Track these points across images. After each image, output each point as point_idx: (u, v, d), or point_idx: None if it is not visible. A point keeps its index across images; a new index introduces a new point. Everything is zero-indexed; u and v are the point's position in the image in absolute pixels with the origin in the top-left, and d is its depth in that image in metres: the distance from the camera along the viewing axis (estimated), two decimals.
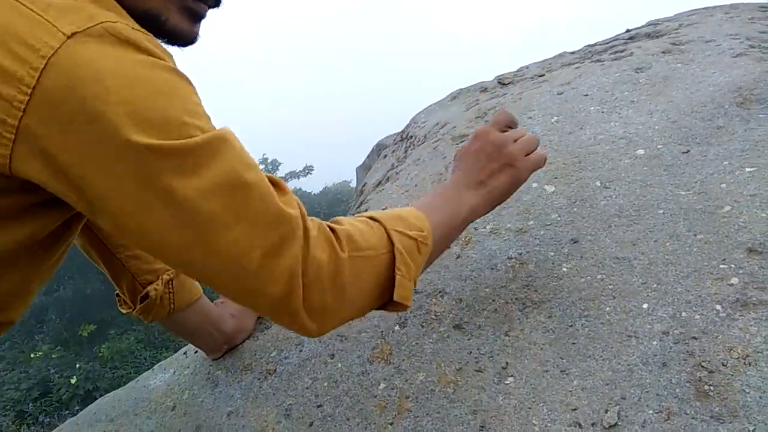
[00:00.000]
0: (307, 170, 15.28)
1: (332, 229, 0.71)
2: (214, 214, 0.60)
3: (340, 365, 1.06)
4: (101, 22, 0.59)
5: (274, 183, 0.68)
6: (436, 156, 1.65)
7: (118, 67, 0.58)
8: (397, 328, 1.08)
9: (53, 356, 8.23)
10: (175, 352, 1.41)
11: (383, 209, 1.48)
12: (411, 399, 0.95)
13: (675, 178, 1.15)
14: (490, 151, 0.92)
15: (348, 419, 0.97)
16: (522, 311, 1.01)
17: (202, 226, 0.60)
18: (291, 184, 14.99)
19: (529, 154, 0.96)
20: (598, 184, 1.21)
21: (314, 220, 0.70)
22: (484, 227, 1.23)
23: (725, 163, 1.13)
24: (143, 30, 0.64)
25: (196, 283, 1.15)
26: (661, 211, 1.08)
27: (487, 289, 1.08)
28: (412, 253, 0.77)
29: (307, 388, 1.05)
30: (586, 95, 1.58)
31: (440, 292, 1.11)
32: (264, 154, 14.95)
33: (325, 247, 0.68)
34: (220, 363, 1.18)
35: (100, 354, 8.27)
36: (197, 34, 0.78)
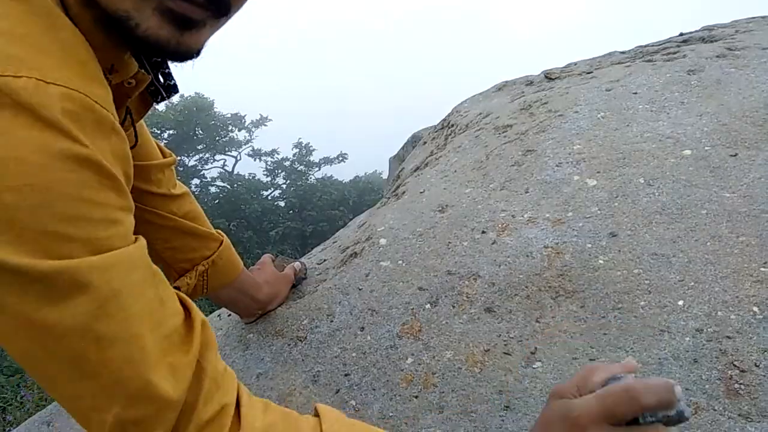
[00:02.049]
0: (342, 157, 15.36)
1: (233, 424, 0.55)
2: (70, 359, 0.49)
3: (369, 338, 1.08)
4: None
5: (187, 330, 0.55)
6: (477, 144, 1.65)
7: (4, 140, 0.45)
8: (428, 306, 1.09)
9: None
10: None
11: (421, 192, 1.49)
12: (437, 375, 0.97)
13: (721, 180, 1.14)
14: None
15: (374, 389, 0.99)
16: (554, 299, 1.02)
17: (57, 367, 0.49)
18: (324, 170, 15.10)
19: None
20: (642, 180, 1.20)
21: (220, 400, 0.54)
22: (522, 215, 1.23)
23: None
24: (79, 93, 0.49)
25: (237, 262, 1.16)
26: (705, 212, 1.07)
27: (521, 276, 1.08)
28: None
29: (336, 357, 1.07)
30: (635, 93, 1.56)
31: (474, 275, 1.12)
32: (299, 138, 15.07)
33: None
34: (253, 327, 1.21)
35: None
36: (189, 45, 0.58)
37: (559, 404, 0.57)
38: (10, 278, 0.46)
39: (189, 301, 0.59)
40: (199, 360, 0.54)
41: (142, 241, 0.56)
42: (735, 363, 0.80)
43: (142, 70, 0.66)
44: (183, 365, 0.52)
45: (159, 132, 11.94)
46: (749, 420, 0.73)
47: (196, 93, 12.80)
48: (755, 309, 0.86)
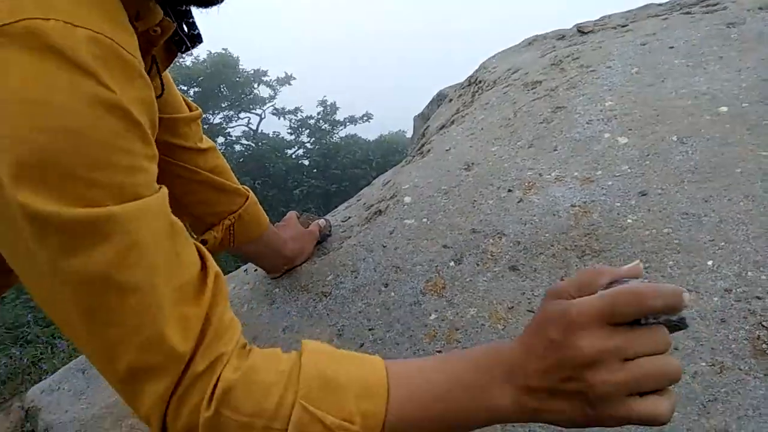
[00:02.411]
0: (367, 117, 15.23)
1: (219, 375, 0.54)
2: (88, 308, 0.50)
3: (393, 294, 1.09)
4: (26, 18, 0.45)
5: (199, 287, 0.55)
6: (505, 100, 1.62)
7: (24, 87, 0.45)
8: (452, 264, 1.09)
9: None
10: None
11: (446, 150, 1.48)
12: (461, 331, 0.97)
13: (757, 138, 1.10)
14: (568, 356, 0.50)
15: (398, 344, 1.00)
16: (580, 258, 1.01)
17: (76, 313, 0.51)
18: (348, 130, 15.02)
19: (643, 393, 0.50)
20: (675, 138, 1.16)
21: (218, 349, 0.54)
22: (549, 174, 1.21)
23: None
24: (106, 38, 0.49)
25: (263, 218, 1.17)
26: (739, 170, 1.04)
27: (547, 234, 1.07)
28: None
29: (360, 312, 1.09)
30: (672, 47, 1.51)
31: (499, 233, 1.11)
32: (324, 96, 14.96)
33: (197, 393, 0.53)
34: (279, 282, 1.23)
35: None
36: None
37: (556, 304, 0.53)
38: (35, 225, 0.47)
39: (204, 251, 0.59)
40: (207, 313, 0.54)
41: (165, 191, 0.56)
42: (763, 323, 0.79)
43: (168, 18, 0.66)
44: (193, 317, 0.53)
45: (186, 89, 11.95)
46: None
47: (223, 49, 12.76)
48: None
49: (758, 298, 0.82)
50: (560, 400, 0.51)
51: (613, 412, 0.49)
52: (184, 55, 1.02)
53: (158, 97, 0.63)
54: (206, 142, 1.06)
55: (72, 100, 0.46)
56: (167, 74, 0.95)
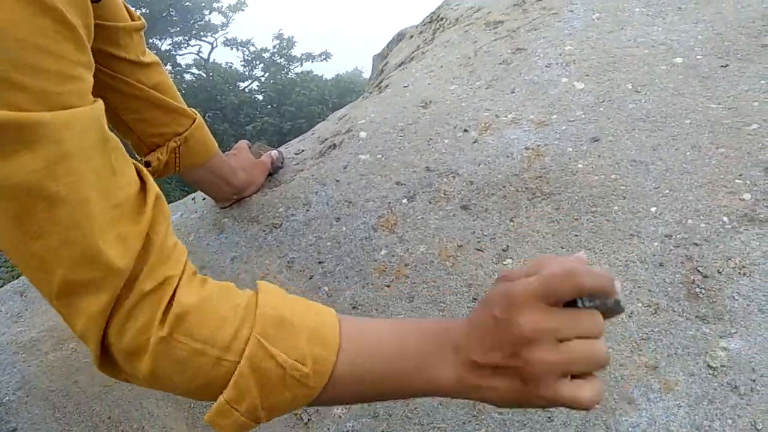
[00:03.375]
0: (325, 56, 14.80)
1: (172, 298, 0.53)
2: (16, 217, 0.48)
3: (344, 228, 1.08)
4: None
5: (139, 203, 0.54)
6: (466, 39, 1.59)
7: None
8: (405, 201, 1.09)
9: None
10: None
11: (404, 87, 1.45)
12: (410, 267, 0.98)
13: (708, 90, 1.12)
14: (509, 332, 0.52)
15: (347, 277, 1.01)
16: (530, 200, 1.02)
17: (5, 223, 0.48)
18: (306, 67, 14.61)
19: (575, 376, 0.52)
20: (630, 86, 1.17)
21: (164, 272, 0.53)
22: (506, 116, 1.21)
23: (762, 82, 1.10)
24: None
25: (210, 143, 1.12)
26: (688, 121, 1.06)
27: (499, 176, 1.08)
28: (267, 384, 0.53)
29: (311, 245, 1.08)
30: None
31: (452, 172, 1.11)
32: (280, 29, 14.42)
33: (145, 313, 0.52)
34: (228, 212, 1.20)
35: None
36: None
37: (502, 284, 0.55)
38: None
39: (144, 171, 0.57)
40: (148, 232, 0.53)
41: (100, 104, 0.53)
42: (698, 269, 0.83)
43: None
44: (132, 235, 0.52)
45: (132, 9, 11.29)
46: (705, 322, 0.77)
47: None
48: (725, 219, 0.88)
49: (696, 244, 0.86)
50: (499, 377, 0.53)
51: (542, 392, 0.50)
52: None
53: (96, 1, 0.58)
54: (149, 56, 0.99)
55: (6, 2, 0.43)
56: None
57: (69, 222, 0.48)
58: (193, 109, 1.10)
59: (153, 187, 0.56)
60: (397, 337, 0.58)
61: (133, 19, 0.96)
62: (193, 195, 1.33)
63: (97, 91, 0.97)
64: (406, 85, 1.47)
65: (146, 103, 1.00)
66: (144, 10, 11.36)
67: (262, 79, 13.93)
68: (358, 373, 0.56)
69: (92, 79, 0.52)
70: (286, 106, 12.65)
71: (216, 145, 1.13)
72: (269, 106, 13.06)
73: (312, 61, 14.61)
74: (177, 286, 0.53)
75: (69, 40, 0.48)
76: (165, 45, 12.55)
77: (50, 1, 0.46)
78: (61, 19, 0.47)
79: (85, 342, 0.53)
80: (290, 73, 14.02)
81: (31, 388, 0.99)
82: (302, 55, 14.36)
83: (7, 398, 0.99)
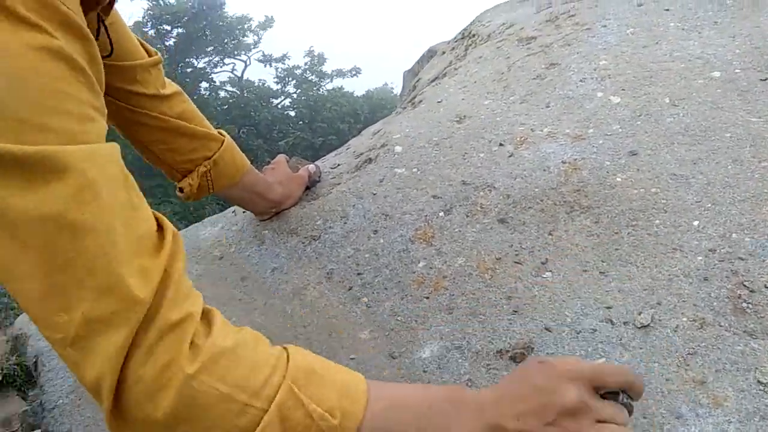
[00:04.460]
0: (355, 71, 14.94)
1: (202, 333, 0.53)
2: (40, 251, 0.48)
3: (382, 240, 1.10)
4: None
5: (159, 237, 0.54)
6: (498, 55, 1.61)
7: None
8: (441, 214, 1.10)
9: None
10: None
11: (438, 102, 1.47)
12: (448, 279, 0.99)
13: (748, 104, 1.11)
14: (554, 401, 0.55)
15: (386, 289, 1.02)
16: (569, 214, 1.02)
17: (26, 259, 0.48)
18: (337, 83, 14.78)
19: None
20: (667, 100, 1.17)
21: (185, 308, 0.53)
22: (541, 129, 1.22)
23: None
24: None
25: (240, 162, 1.15)
26: (728, 135, 1.05)
27: (536, 189, 1.08)
28: None
29: (349, 257, 1.10)
30: (667, 10, 1.50)
31: (489, 186, 1.12)
32: (311, 46, 14.66)
33: (168, 349, 0.50)
34: (267, 224, 1.23)
35: None
36: None
37: (541, 359, 0.60)
38: None
39: (159, 214, 0.58)
40: (167, 267, 0.53)
41: (116, 145, 0.55)
42: (745, 283, 0.82)
43: None
44: (152, 268, 0.52)
45: (169, 29, 11.59)
46: (753, 337, 0.76)
47: None
48: None
49: (741, 259, 0.85)
50: None
51: None
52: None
53: (108, 56, 0.64)
54: (170, 87, 1.04)
55: (15, 46, 0.47)
56: (121, 20, 0.93)
57: (94, 250, 0.49)
58: (222, 130, 1.14)
59: (169, 226, 0.58)
60: (422, 398, 0.60)
61: (150, 55, 1.00)
62: (233, 208, 1.36)
63: (125, 128, 1.01)
64: (439, 100, 1.48)
65: (172, 133, 1.03)
66: (181, 30, 11.67)
67: (294, 95, 14.14)
68: (382, 430, 0.57)
69: (105, 124, 0.55)
70: (318, 122, 12.82)
71: (247, 163, 1.16)
72: (301, 122, 13.26)
73: (342, 78, 14.77)
74: (198, 326, 0.53)
75: (84, 85, 0.51)
76: (201, 63, 12.86)
77: (63, 49, 0.49)
78: (76, 66, 0.50)
79: (98, 391, 0.50)
80: (321, 90, 14.21)
81: (82, 393, 1.02)
82: (333, 71, 14.53)
83: (61, 401, 1.02)
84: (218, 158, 1.09)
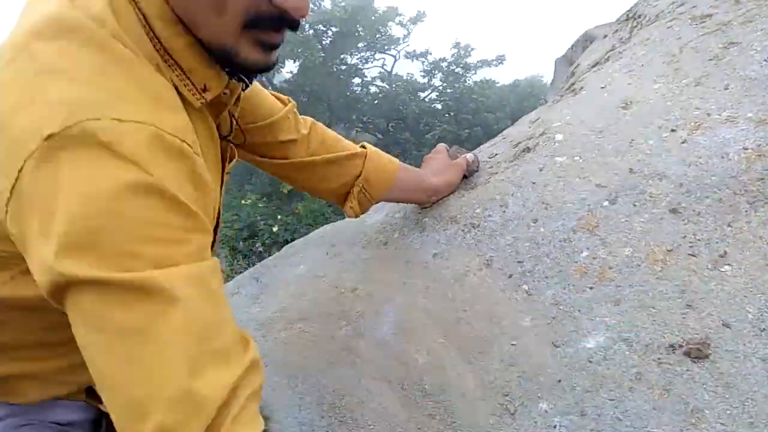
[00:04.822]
0: (499, 60, 14.64)
1: None
2: (122, 359, 0.55)
3: (542, 230, 1.10)
4: (81, 121, 0.54)
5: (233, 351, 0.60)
6: (669, 36, 1.51)
7: (77, 180, 0.54)
8: (606, 203, 1.08)
9: (259, 205, 9.42)
10: None
11: (602, 87, 1.42)
12: (614, 270, 0.97)
13: None
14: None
15: (547, 277, 1.02)
16: (751, 204, 0.95)
17: (110, 365, 0.55)
18: (482, 73, 14.62)
19: None
20: None
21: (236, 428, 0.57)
22: (719, 114, 1.13)
23: None
24: (149, 126, 0.57)
25: (389, 166, 1.19)
26: None
27: (714, 178, 1.02)
28: None
29: (508, 245, 1.11)
30: None
31: (659, 174, 1.07)
32: (457, 38, 14.61)
33: None
34: (428, 212, 1.29)
35: (296, 211, 9.27)
36: (273, 61, 0.73)
37: None
38: (91, 288, 0.54)
39: (244, 332, 0.65)
40: (236, 384, 0.58)
41: (212, 262, 0.61)
42: None
43: (233, 80, 0.76)
44: (224, 381, 0.57)
45: (324, 29, 12.23)
46: None
47: None
48: None
49: None
50: None
51: None
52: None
53: (241, 144, 0.83)
54: (305, 124, 1.12)
55: (115, 187, 0.54)
56: (256, 88, 1.03)
57: (175, 361, 0.55)
58: (362, 143, 1.20)
59: (253, 346, 0.65)
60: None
61: (284, 104, 1.10)
62: None
63: (277, 173, 1.15)
64: (603, 86, 1.43)
65: (320, 167, 1.12)
66: (335, 29, 12.25)
67: (440, 88, 14.22)
68: None
69: (203, 239, 0.62)
70: (463, 114, 12.79)
71: (396, 163, 1.21)
72: (447, 115, 13.31)
73: (488, 67, 14.56)
74: None
75: (176, 211, 0.58)
76: (353, 59, 13.41)
77: (157, 184, 0.56)
78: (168, 196, 0.57)
79: None
80: (467, 81, 14.13)
81: (269, 360, 1.16)
82: (478, 62, 14.37)
83: None
84: (366, 173, 1.15)
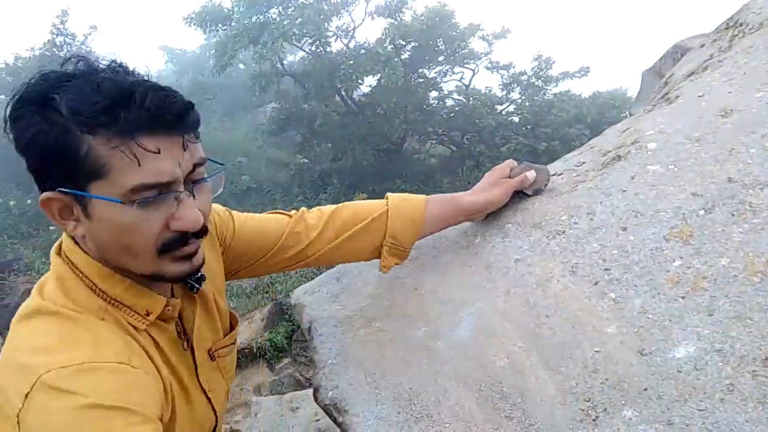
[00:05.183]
0: (583, 72, 14.24)
1: None
2: None
3: (632, 237, 1.07)
4: (39, 377, 0.71)
5: None
6: None
7: (45, 417, 0.70)
8: (701, 212, 1.04)
9: None
10: None
11: (699, 96, 1.37)
12: (708, 280, 0.93)
13: None
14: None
15: (636, 286, 1.00)
16: None
17: None
18: (564, 85, 14.28)
19: None
20: None
21: None
22: None
23: None
24: (83, 363, 0.74)
25: (413, 215, 1.21)
26: None
27: None
28: None
29: (595, 253, 1.09)
30: None
31: (761, 184, 1.02)
32: (539, 51, 14.34)
33: None
34: (511, 218, 1.28)
35: None
36: (197, 264, 0.88)
37: None
38: None
39: None
40: None
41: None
42: None
43: (171, 298, 0.91)
44: None
45: (403, 44, 12.35)
46: None
47: (438, 2, 12.82)
48: None
49: None
50: None
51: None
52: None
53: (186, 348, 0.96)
54: (318, 217, 1.17)
55: (77, 414, 0.71)
56: (247, 222, 1.13)
57: None
58: (380, 201, 1.22)
59: None
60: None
61: (289, 216, 1.16)
62: None
63: (316, 264, 1.21)
64: (700, 94, 1.38)
65: (344, 247, 1.18)
66: (414, 44, 12.35)
67: (519, 101, 14.01)
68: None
69: (150, 425, 0.75)
70: (542, 127, 12.53)
71: (420, 204, 1.22)
72: (524, 128, 13.07)
73: (570, 79, 14.19)
74: None
75: (118, 414, 0.72)
76: (432, 73, 13.45)
77: (97, 402, 0.71)
78: (105, 406, 0.72)
79: None
80: (547, 94, 13.83)
81: (347, 356, 1.19)
82: (559, 74, 14.05)
83: (331, 361, 1.20)
84: (392, 230, 1.19)
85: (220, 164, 0.90)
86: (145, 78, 0.79)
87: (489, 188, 1.27)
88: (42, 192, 0.79)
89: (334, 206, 1.21)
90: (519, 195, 1.31)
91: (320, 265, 1.22)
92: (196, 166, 0.82)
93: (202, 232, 0.85)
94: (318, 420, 2.35)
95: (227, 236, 1.11)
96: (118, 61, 0.80)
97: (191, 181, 0.83)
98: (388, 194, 1.23)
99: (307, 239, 1.15)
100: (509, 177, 1.30)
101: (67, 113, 0.73)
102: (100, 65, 0.78)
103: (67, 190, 0.77)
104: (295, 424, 2.38)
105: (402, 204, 1.22)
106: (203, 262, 0.91)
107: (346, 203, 1.22)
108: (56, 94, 0.74)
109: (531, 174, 1.30)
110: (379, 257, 1.21)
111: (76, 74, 0.76)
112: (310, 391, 2.55)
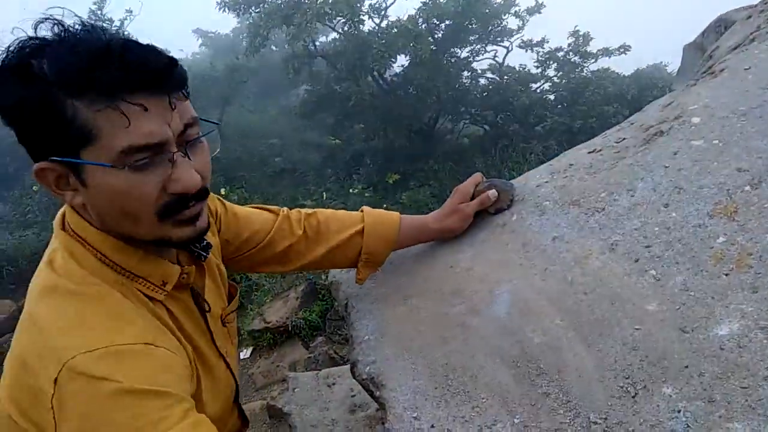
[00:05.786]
0: (624, 49, 13.81)
1: None
2: None
3: (674, 214, 1.05)
4: (65, 363, 0.71)
5: None
6: None
7: (79, 404, 0.70)
8: (747, 188, 1.01)
9: (366, 195, 9.62)
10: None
11: (746, 69, 1.33)
12: (754, 257, 0.91)
13: None
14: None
15: (677, 263, 0.98)
16: None
17: None
18: (602, 62, 13.90)
19: None
20: None
21: None
22: None
23: None
24: (107, 347, 0.73)
25: (386, 233, 1.28)
26: None
27: None
28: None
29: (636, 230, 1.07)
30: None
31: None
32: (576, 27, 13.95)
33: None
34: (548, 195, 1.27)
35: (401, 200, 9.37)
36: (202, 227, 0.87)
37: None
38: None
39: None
40: None
41: (193, 419, 0.75)
42: None
43: (185, 266, 0.93)
44: None
45: (438, 23, 12.19)
46: None
47: None
48: None
49: None
50: None
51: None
52: None
53: (208, 311, 0.99)
54: (299, 224, 1.23)
55: (107, 399, 0.71)
56: (235, 211, 1.17)
57: None
58: (362, 209, 1.30)
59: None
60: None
61: (276, 213, 1.21)
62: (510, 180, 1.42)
63: (299, 268, 1.28)
64: (747, 67, 1.34)
65: (324, 259, 1.25)
66: (448, 22, 12.18)
67: (555, 79, 13.70)
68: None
69: (183, 405, 0.76)
70: (578, 105, 12.23)
71: (394, 223, 1.29)
72: (560, 106, 12.80)
73: (609, 57, 13.79)
74: None
75: (151, 398, 0.73)
76: (464, 53, 13.25)
77: (125, 386, 0.72)
78: (137, 390, 0.72)
79: None
80: (585, 71, 13.48)
81: (384, 332, 1.20)
82: (598, 50, 13.65)
83: (368, 338, 1.22)
84: (368, 247, 1.26)
85: (215, 123, 0.88)
86: (124, 36, 0.75)
87: (449, 214, 1.32)
88: (36, 163, 0.77)
89: (311, 210, 1.28)
90: (482, 213, 1.35)
91: (307, 270, 1.34)
92: (187, 126, 0.80)
93: (203, 193, 0.83)
94: (354, 396, 2.40)
95: (220, 213, 1.14)
96: (93, 21, 0.76)
97: (185, 142, 0.80)
98: (364, 209, 1.30)
99: (293, 237, 1.22)
100: (475, 193, 1.34)
101: (47, 78, 0.71)
102: (76, 27, 0.74)
103: (59, 159, 0.75)
104: (332, 399, 2.43)
105: (376, 222, 1.29)
106: (208, 225, 0.89)
107: (321, 209, 1.31)
108: (34, 59, 0.72)
109: (492, 193, 1.32)
110: (355, 267, 1.30)
111: (53, 39, 0.73)
112: (346, 367, 2.60)
